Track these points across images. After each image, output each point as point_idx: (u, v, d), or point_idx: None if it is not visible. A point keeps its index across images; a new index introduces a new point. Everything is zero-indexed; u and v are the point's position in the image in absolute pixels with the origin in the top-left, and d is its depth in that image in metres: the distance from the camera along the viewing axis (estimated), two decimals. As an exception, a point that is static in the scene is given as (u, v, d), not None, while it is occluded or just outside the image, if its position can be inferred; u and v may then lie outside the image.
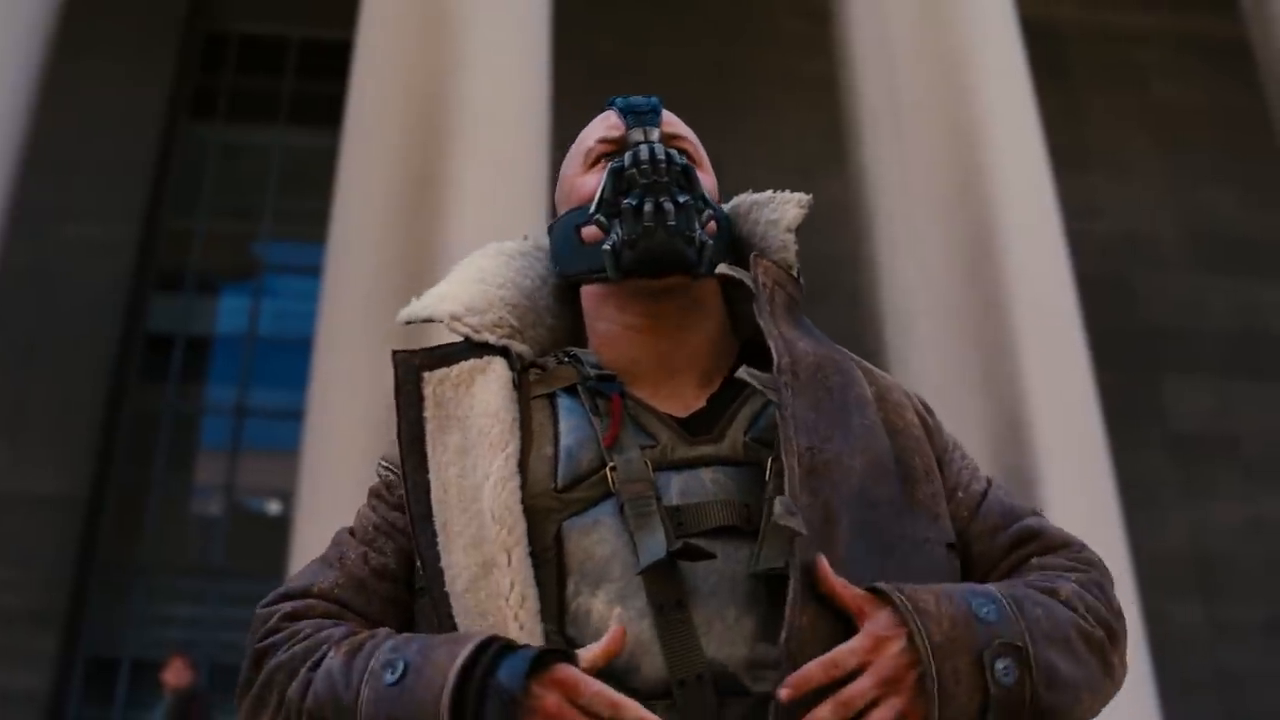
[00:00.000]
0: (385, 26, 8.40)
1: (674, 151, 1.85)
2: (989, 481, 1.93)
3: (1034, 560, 1.80)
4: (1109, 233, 14.04)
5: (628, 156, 1.83)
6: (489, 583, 1.64)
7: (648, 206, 1.78)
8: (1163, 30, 15.62)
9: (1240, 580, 12.72)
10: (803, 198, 1.97)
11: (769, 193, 2.01)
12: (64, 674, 12.09)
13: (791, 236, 1.93)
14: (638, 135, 1.89)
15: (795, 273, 1.92)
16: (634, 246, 1.79)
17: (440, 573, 1.69)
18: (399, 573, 1.80)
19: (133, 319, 13.20)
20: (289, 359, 12.39)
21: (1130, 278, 13.81)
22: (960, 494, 1.85)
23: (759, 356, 1.80)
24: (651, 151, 1.82)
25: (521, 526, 1.67)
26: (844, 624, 1.55)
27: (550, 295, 2.00)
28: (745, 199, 2.04)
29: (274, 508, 13.68)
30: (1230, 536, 12.54)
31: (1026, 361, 7.61)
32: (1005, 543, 1.83)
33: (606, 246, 1.81)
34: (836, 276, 9.55)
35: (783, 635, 1.51)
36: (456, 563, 1.68)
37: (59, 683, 11.94)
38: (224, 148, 14.82)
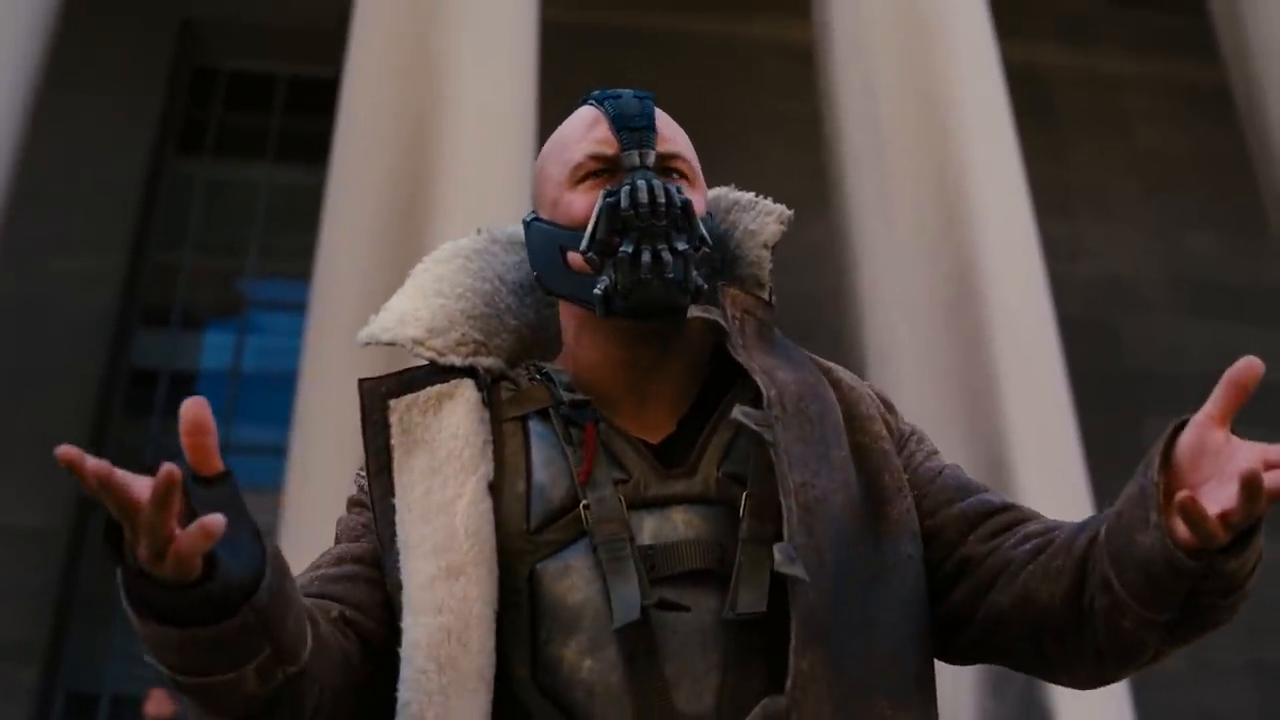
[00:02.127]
0: (372, 64, 8.43)
1: (674, 189, 1.76)
2: (946, 465, 1.90)
3: (1027, 525, 1.77)
4: (1092, 275, 14.08)
5: (624, 195, 1.74)
6: (456, 585, 1.63)
7: (645, 257, 1.72)
8: (1146, 75, 15.70)
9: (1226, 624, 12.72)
10: (784, 212, 1.94)
11: (750, 196, 1.98)
12: (44, 707, 12.02)
13: (768, 254, 1.91)
14: (633, 159, 1.80)
15: (768, 292, 1.89)
16: (628, 296, 1.73)
17: (400, 585, 1.67)
18: (379, 560, 1.78)
19: (118, 353, 13.19)
20: (273, 395, 12.37)
21: (1113, 321, 13.84)
22: (909, 475, 1.82)
23: (729, 370, 1.78)
24: (651, 191, 1.74)
25: (490, 547, 1.66)
26: (837, 671, 1.55)
27: (510, 294, 1.96)
28: (726, 196, 1.99)
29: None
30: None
31: (1008, 402, 7.64)
32: (970, 511, 1.80)
33: (598, 291, 1.75)
34: (819, 315, 9.58)
35: (789, 683, 1.50)
36: (417, 569, 1.65)
37: (40, 716, 11.87)
38: (211, 183, 14.82)
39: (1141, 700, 7.62)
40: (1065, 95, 15.42)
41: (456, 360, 1.84)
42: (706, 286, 1.77)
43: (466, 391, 1.80)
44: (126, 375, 13.53)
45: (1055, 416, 7.84)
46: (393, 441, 1.78)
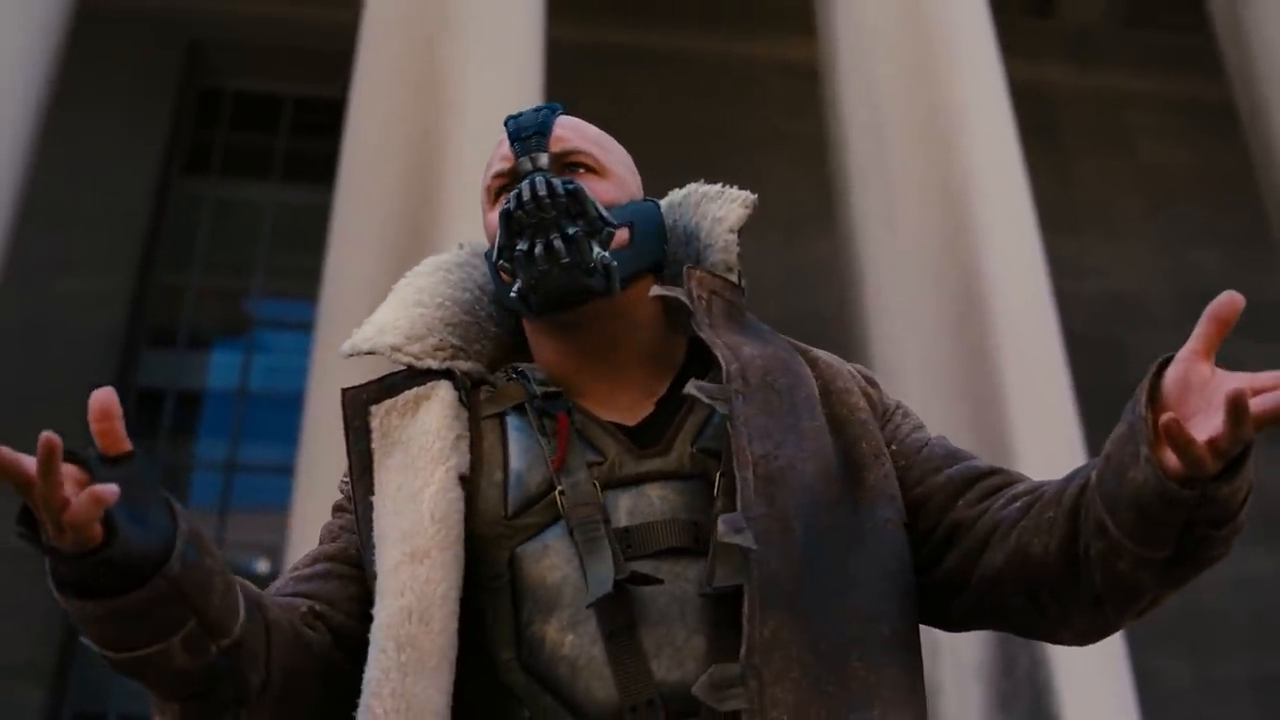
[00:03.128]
0: (379, 84, 8.46)
1: (558, 181, 1.82)
2: (933, 436, 1.94)
3: (1014, 487, 1.80)
4: (1098, 293, 14.09)
5: (512, 199, 1.82)
6: (419, 569, 1.65)
7: (538, 250, 1.78)
8: (1150, 92, 15.71)
9: (1228, 638, 12.70)
10: (748, 197, 1.98)
11: (718, 187, 2.02)
12: (51, 728, 12.02)
13: (734, 237, 1.95)
14: (525, 165, 1.89)
15: (737, 275, 1.93)
16: (536, 290, 1.80)
17: (375, 577, 1.71)
18: (358, 559, 1.82)
19: (124, 373, 13.19)
20: (280, 414, 12.38)
21: (1120, 337, 13.83)
22: (895, 445, 1.86)
23: (708, 352, 1.81)
24: (533, 188, 1.81)
25: (458, 533, 1.69)
26: (806, 635, 1.56)
27: (491, 303, 2.01)
28: (696, 190, 2.05)
29: (263, 566, 13.63)
30: (1219, 594, 12.53)
31: (1015, 417, 7.64)
32: (958, 477, 1.83)
33: (514, 294, 1.83)
34: (825, 331, 9.58)
35: (743, 650, 1.52)
36: (385, 556, 1.69)
37: (46, 737, 11.88)
38: (217, 203, 14.84)
39: (1148, 718, 7.61)
40: (1070, 112, 15.43)
41: (434, 364, 1.89)
42: (615, 262, 1.82)
43: (442, 391, 1.85)
44: (133, 395, 13.53)
45: (1062, 431, 7.84)
46: (373, 445, 1.82)
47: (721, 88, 14.54)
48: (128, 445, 1.47)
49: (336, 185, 8.34)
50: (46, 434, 1.36)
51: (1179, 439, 1.39)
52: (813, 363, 1.91)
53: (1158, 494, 1.46)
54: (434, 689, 1.61)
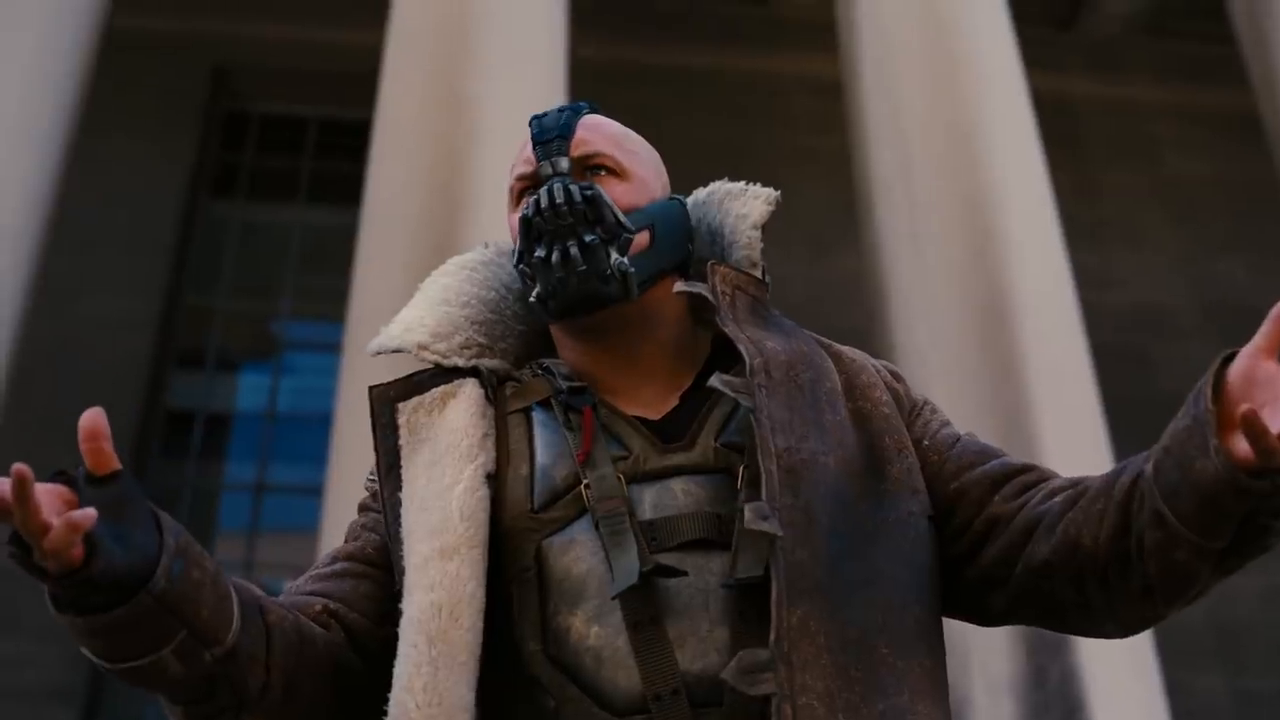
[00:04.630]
0: (403, 104, 8.49)
1: (575, 187, 1.84)
2: (963, 433, 1.95)
3: (1049, 482, 1.81)
4: (1124, 304, 14.04)
5: (530, 205, 1.85)
6: (449, 565, 1.68)
7: (554, 257, 1.81)
8: (1174, 103, 15.67)
9: (1260, 650, 12.63)
10: (771, 194, 2.01)
11: (741, 184, 2.05)
12: (84, 751, 12.06)
13: (758, 234, 1.97)
14: (546, 170, 1.91)
15: (761, 271, 1.96)
16: (554, 296, 1.83)
17: (403, 572, 1.73)
18: (376, 558, 1.86)
19: (153, 395, 13.25)
20: (308, 435, 12.42)
21: (1146, 348, 13.80)
22: (926, 441, 1.88)
23: (731, 346, 1.82)
24: (551, 195, 1.83)
25: (484, 534, 1.72)
26: (833, 623, 1.58)
27: (516, 301, 2.03)
28: (720, 188, 2.08)
29: (293, 584, 13.62)
30: (1250, 606, 12.47)
31: (1043, 429, 7.61)
32: (994, 472, 1.85)
33: (533, 299, 1.86)
34: (852, 346, 9.58)
35: (772, 636, 1.54)
36: (414, 551, 1.71)
37: (79, 760, 11.91)
38: (244, 225, 14.90)
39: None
40: (1094, 124, 15.40)
41: (460, 362, 1.92)
42: (633, 269, 1.84)
43: (469, 389, 1.87)
44: (162, 417, 13.59)
45: (1090, 443, 7.82)
46: (401, 442, 1.85)
47: (746, 105, 14.56)
48: (116, 465, 1.51)
49: (362, 206, 8.37)
50: (17, 466, 1.39)
51: (1256, 428, 1.41)
52: (836, 356, 1.94)
53: (1230, 484, 1.48)
54: (464, 685, 1.63)
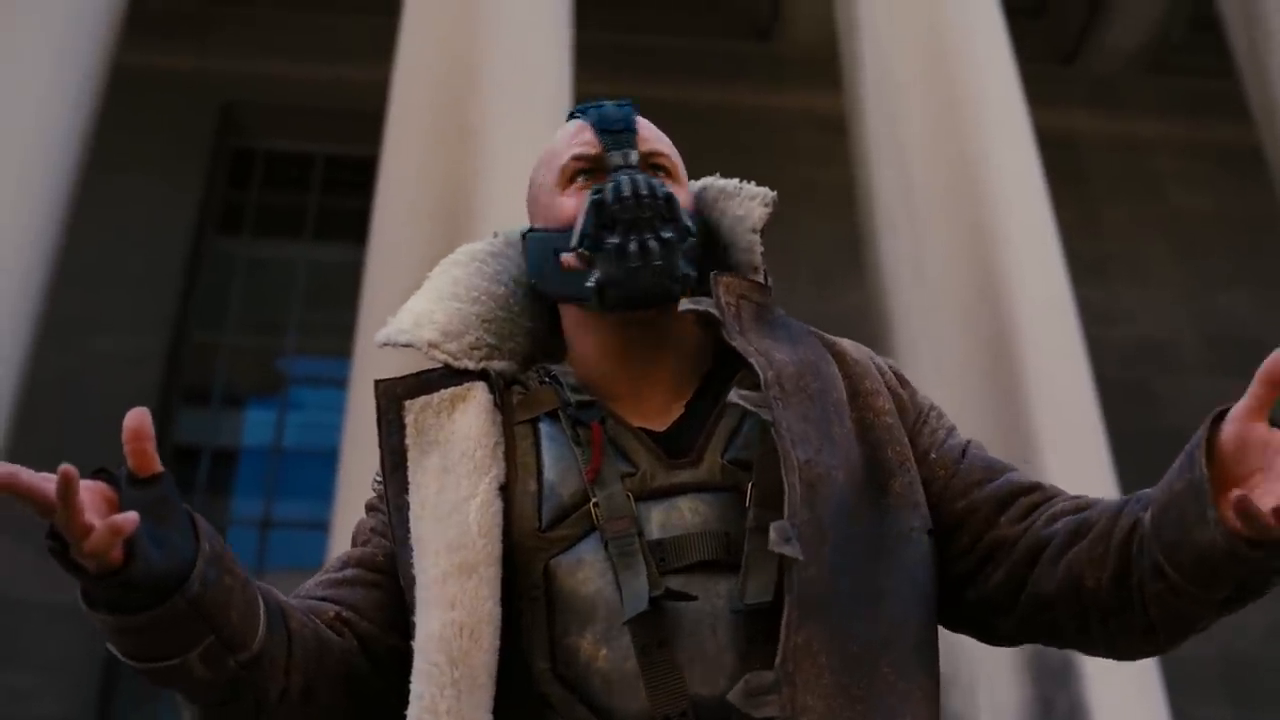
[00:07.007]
0: (409, 141, 8.51)
1: (656, 182, 1.83)
2: (968, 442, 1.94)
3: (1053, 504, 1.83)
4: (1128, 338, 14.06)
5: (609, 190, 1.82)
6: (469, 582, 1.68)
7: (632, 246, 1.78)
8: (1177, 138, 15.71)
9: (1266, 684, 12.59)
10: (768, 194, 1.98)
11: (735, 183, 2.02)
12: (90, 785, 12.02)
13: (757, 238, 1.95)
14: (616, 159, 1.89)
15: (762, 274, 1.94)
16: (619, 286, 1.80)
17: (413, 581, 1.73)
18: (385, 565, 1.85)
19: (160, 431, 13.10)
20: (315, 471, 12.41)
21: (1151, 382, 13.80)
22: (934, 455, 1.87)
23: (734, 358, 1.82)
24: (634, 185, 1.81)
25: (498, 551, 1.71)
26: (836, 642, 1.58)
27: (524, 296, 2.01)
28: (713, 185, 2.05)
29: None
30: (1257, 640, 12.44)
31: (1047, 462, 7.60)
32: (1001, 492, 1.85)
33: (590, 284, 1.82)
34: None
35: (778, 658, 1.55)
36: (430, 565, 1.71)
37: (85, 794, 11.87)
38: (250, 262, 14.93)
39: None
40: (1097, 159, 15.43)
41: (470, 364, 1.90)
42: (695, 275, 1.84)
43: (479, 394, 1.85)
44: (169, 452, 13.58)
45: (1095, 476, 7.81)
46: (407, 441, 1.84)
47: (750, 141, 14.60)
48: (158, 466, 1.53)
49: (368, 242, 8.39)
50: (64, 466, 1.41)
51: (1250, 512, 1.42)
52: (839, 356, 1.92)
53: (1227, 553, 1.50)
54: (483, 708, 1.64)
